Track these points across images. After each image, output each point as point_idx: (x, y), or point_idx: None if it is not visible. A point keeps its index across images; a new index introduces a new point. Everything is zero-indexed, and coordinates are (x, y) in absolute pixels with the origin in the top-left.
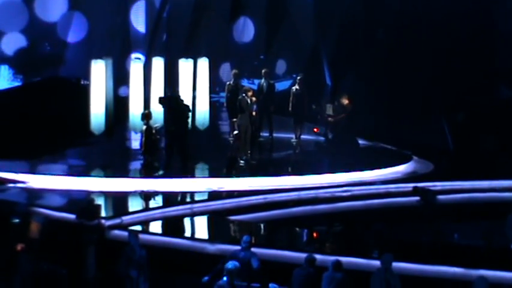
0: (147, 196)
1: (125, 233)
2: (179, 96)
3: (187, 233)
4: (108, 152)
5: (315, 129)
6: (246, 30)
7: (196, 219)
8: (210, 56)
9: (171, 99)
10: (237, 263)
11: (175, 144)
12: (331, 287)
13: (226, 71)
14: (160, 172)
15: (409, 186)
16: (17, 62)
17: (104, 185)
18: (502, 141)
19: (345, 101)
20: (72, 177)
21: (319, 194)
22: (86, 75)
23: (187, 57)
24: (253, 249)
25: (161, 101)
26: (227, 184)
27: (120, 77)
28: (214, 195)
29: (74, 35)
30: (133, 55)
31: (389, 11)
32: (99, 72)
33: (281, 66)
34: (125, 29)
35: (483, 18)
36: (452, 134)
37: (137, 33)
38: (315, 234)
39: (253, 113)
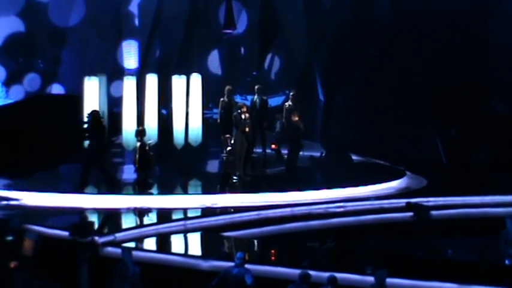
0: (140, 213)
1: (118, 250)
2: (99, 112)
3: (181, 250)
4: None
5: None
6: (239, 45)
7: (190, 235)
8: (203, 72)
9: (94, 114)
10: None
11: (96, 158)
12: None
13: (220, 87)
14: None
15: (403, 201)
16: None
17: (97, 202)
18: (495, 156)
19: (295, 118)
20: (66, 194)
21: (312, 210)
22: (80, 92)
23: (180, 73)
24: (247, 266)
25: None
26: (221, 200)
27: (113, 94)
28: (207, 211)
29: (67, 52)
30: (126, 72)
31: (380, 26)
32: (92, 89)
33: (274, 81)
34: (118, 45)
35: (475, 33)
36: (445, 149)
37: (130, 49)
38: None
39: (247, 129)
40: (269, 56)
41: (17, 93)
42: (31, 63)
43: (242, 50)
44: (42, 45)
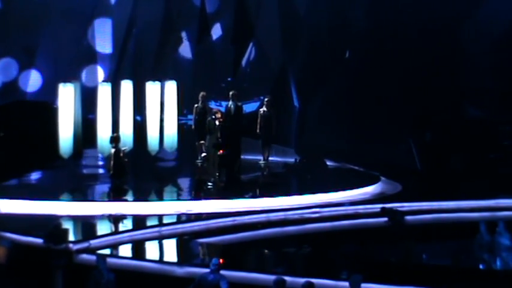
0: (115, 219)
1: (93, 257)
2: None
3: (156, 256)
4: (76, 175)
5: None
6: (213, 51)
7: (165, 242)
8: (177, 78)
9: None
10: None
11: None
12: None
13: (194, 93)
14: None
15: (378, 207)
16: None
17: (71, 209)
18: (469, 161)
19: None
20: (39, 201)
21: (288, 216)
22: (54, 98)
23: (154, 79)
24: (222, 272)
25: None
26: (195, 206)
27: (88, 101)
28: (182, 217)
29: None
30: (100, 79)
31: (355, 34)
32: (67, 95)
33: (249, 87)
34: (91, 53)
35: (449, 39)
36: (420, 154)
37: (104, 56)
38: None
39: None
40: (243, 62)
41: None
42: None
43: (216, 56)
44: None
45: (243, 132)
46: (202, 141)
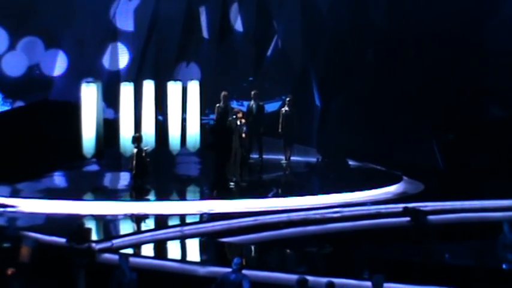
0: (137, 219)
1: (116, 257)
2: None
3: (178, 256)
4: (99, 175)
5: None
6: (235, 51)
7: (187, 241)
8: (199, 77)
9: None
10: None
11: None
12: None
13: (216, 93)
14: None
15: (400, 206)
16: (6, 86)
17: (94, 209)
18: (492, 161)
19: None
20: (63, 201)
21: (309, 216)
22: (76, 98)
23: (176, 79)
24: (244, 271)
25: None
26: (217, 206)
27: (111, 100)
28: (204, 217)
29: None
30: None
31: (377, 33)
32: (90, 95)
33: (270, 87)
34: (114, 51)
35: (473, 38)
36: (442, 154)
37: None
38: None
39: (243, 135)
40: (265, 62)
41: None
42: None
43: (238, 55)
44: None
45: (232, 132)
46: None
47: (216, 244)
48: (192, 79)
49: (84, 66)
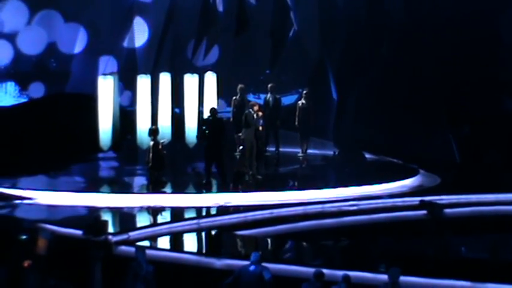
0: (154, 211)
1: (132, 249)
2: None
3: (194, 249)
4: (115, 168)
5: None
6: (252, 43)
7: (203, 234)
8: (215, 70)
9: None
10: None
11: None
12: None
13: (232, 86)
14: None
15: (416, 200)
16: (23, 79)
17: (111, 201)
18: (508, 154)
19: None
20: (79, 193)
21: (325, 209)
22: (93, 91)
23: (192, 72)
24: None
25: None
26: (234, 199)
27: (127, 93)
28: (221, 210)
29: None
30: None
31: (393, 25)
32: (107, 88)
33: (287, 80)
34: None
35: (488, 30)
36: (459, 147)
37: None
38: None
39: (260, 128)
40: (282, 54)
41: None
42: None
43: (255, 48)
44: None
45: (223, 127)
46: (240, 134)
47: (233, 237)
48: (208, 71)
49: (103, 44)
